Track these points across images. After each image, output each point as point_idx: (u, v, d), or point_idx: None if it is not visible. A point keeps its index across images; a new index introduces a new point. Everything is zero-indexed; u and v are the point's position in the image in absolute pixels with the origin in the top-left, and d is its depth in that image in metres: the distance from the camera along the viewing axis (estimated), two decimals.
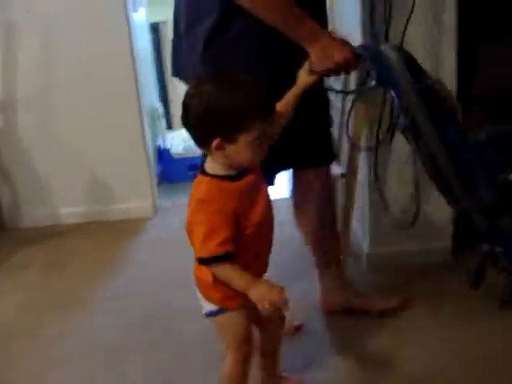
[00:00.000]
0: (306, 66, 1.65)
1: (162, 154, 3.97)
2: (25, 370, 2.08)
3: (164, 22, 5.12)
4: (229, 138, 1.36)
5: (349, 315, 2.17)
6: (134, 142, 3.27)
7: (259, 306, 1.36)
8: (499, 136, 1.70)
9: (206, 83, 1.39)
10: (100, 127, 3.21)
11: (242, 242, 1.42)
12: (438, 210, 2.42)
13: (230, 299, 1.49)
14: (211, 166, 1.44)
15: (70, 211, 3.33)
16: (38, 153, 3.28)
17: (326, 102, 2.03)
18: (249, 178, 1.44)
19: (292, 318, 2.06)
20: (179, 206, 3.46)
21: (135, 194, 3.35)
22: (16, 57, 3.13)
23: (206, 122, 1.36)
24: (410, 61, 1.62)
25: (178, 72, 1.97)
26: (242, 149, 1.37)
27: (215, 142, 1.36)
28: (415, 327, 2.11)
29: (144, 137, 3.32)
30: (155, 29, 4.86)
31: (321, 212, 2.11)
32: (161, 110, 4.28)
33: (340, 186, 2.48)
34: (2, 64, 3.15)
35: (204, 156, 1.48)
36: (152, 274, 2.68)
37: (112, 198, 3.35)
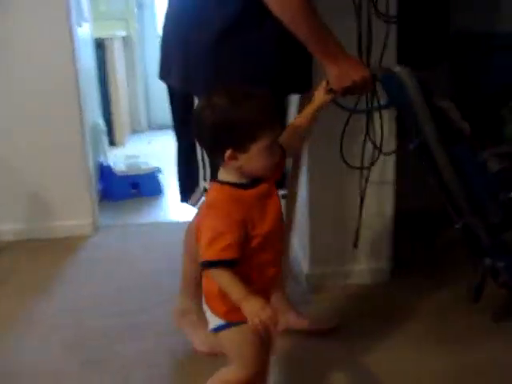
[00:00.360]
0: (324, 83, 1.68)
1: (104, 172, 3.91)
2: None
3: (109, 39, 5.10)
4: (240, 148, 1.39)
5: (290, 335, 2.16)
6: (76, 159, 3.21)
7: (249, 321, 1.36)
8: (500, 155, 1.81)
9: (217, 96, 1.41)
10: (41, 143, 3.13)
11: (246, 253, 1.41)
12: (378, 232, 2.47)
13: (236, 312, 1.42)
14: (224, 174, 1.46)
15: (9, 228, 3.22)
16: None
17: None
18: (261, 188, 1.46)
19: None
20: (120, 225, 3.46)
21: (75, 212, 3.29)
22: None
23: (219, 133, 1.39)
24: (421, 83, 1.70)
25: (166, 77, 1.93)
26: (253, 158, 1.40)
27: (228, 153, 1.38)
28: (357, 347, 2.12)
29: (85, 153, 3.27)
30: (100, 44, 4.84)
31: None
32: (103, 126, 4.23)
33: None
34: None
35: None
36: (87, 293, 2.62)
37: (52, 215, 3.27)
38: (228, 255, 1.37)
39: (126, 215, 3.61)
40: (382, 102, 1.99)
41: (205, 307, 1.54)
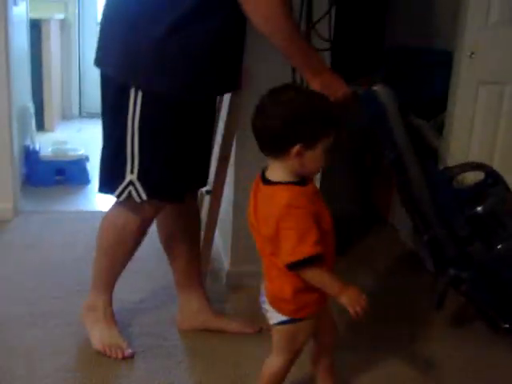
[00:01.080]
0: None
1: (30, 156, 3.81)
2: None
3: (46, 20, 4.99)
4: (310, 144, 1.42)
5: (205, 333, 2.17)
6: (0, 141, 3.13)
7: (350, 310, 1.45)
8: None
9: (287, 91, 1.46)
10: None
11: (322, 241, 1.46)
12: None
13: (302, 309, 1.55)
14: (277, 174, 1.48)
15: None
16: None
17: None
18: (311, 186, 1.52)
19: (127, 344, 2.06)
20: (42, 211, 3.38)
21: None
22: None
23: (294, 127, 1.41)
24: (398, 102, 1.81)
25: (102, 64, 1.88)
26: (318, 155, 1.45)
27: (296, 149, 1.41)
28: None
29: (11, 136, 3.18)
30: (35, 25, 4.71)
31: (188, 236, 2.14)
32: (32, 110, 4.13)
33: (205, 203, 2.50)
34: None
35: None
36: None
37: None
38: (318, 250, 1.42)
39: (49, 202, 3.54)
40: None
41: (267, 307, 1.60)
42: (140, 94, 1.75)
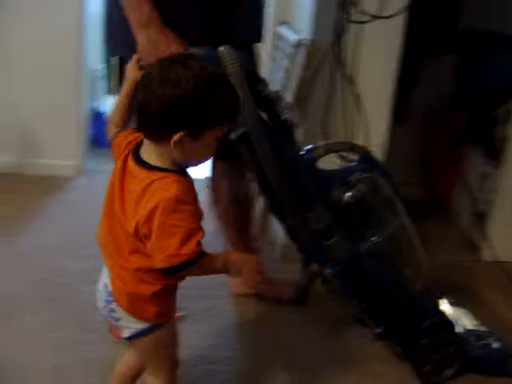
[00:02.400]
0: (135, 58, 1.50)
1: (97, 118, 3.88)
2: None
3: None
4: (194, 133, 1.22)
5: (259, 301, 2.21)
6: (69, 101, 3.23)
7: (245, 277, 1.37)
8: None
9: (182, 68, 1.21)
10: (38, 81, 3.16)
11: None
12: None
13: (165, 314, 1.38)
14: (159, 158, 1.27)
15: None
16: None
17: None
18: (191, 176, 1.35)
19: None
20: (105, 170, 3.41)
21: (62, 153, 3.30)
22: None
23: (177, 111, 1.20)
24: (246, 67, 1.52)
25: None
26: (202, 147, 1.26)
27: (178, 136, 1.21)
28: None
29: (79, 97, 3.27)
30: None
31: (234, 199, 2.13)
32: (102, 72, 4.19)
33: None
34: None
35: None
36: (58, 232, 2.65)
37: (38, 152, 3.29)
38: (201, 249, 1.26)
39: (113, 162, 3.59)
40: None
41: (120, 314, 1.36)
42: None
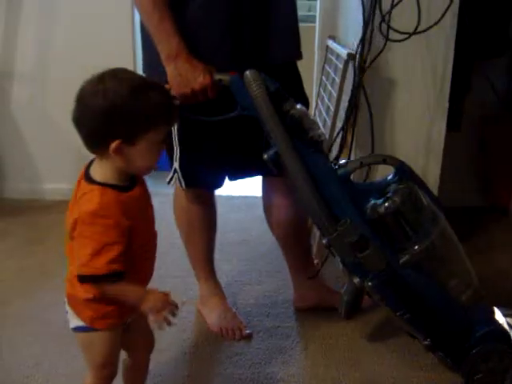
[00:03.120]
0: (166, 87, 1.54)
1: None
2: None
3: None
4: (130, 140, 1.27)
5: (322, 313, 2.20)
6: None
7: (152, 316, 1.33)
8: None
9: (111, 80, 1.28)
10: None
11: (131, 256, 1.33)
12: None
13: (101, 319, 1.41)
14: (100, 171, 1.33)
15: (54, 187, 3.33)
16: (29, 126, 3.30)
17: None
18: (138, 190, 1.37)
19: (244, 325, 2.13)
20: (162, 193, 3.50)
21: None
22: (16, 29, 3.14)
23: (109, 122, 1.26)
24: (274, 87, 1.54)
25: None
26: (143, 152, 1.30)
27: (114, 144, 1.26)
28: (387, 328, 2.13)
29: None
30: None
31: (289, 215, 2.11)
32: None
33: None
34: (3, 35, 3.16)
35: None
36: None
37: None
38: (116, 268, 1.28)
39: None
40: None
41: (67, 307, 1.45)
42: None
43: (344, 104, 2.36)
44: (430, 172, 2.40)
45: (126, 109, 1.25)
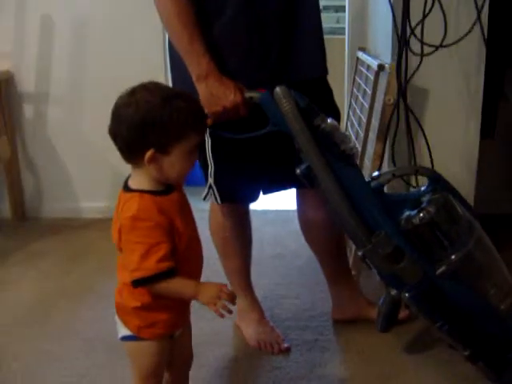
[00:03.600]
0: None
1: None
2: (25, 359, 2.10)
3: None
4: (163, 149, 1.32)
5: (360, 325, 2.19)
6: None
7: (212, 308, 1.35)
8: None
9: (141, 91, 1.33)
10: None
11: (177, 261, 1.36)
12: None
13: (148, 328, 1.44)
14: (137, 181, 1.38)
15: (91, 206, 3.39)
16: (65, 146, 3.36)
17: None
18: (176, 195, 1.40)
19: (283, 339, 2.13)
20: (196, 209, 3.53)
21: None
22: (51, 51, 3.22)
23: (143, 132, 1.30)
24: (304, 102, 1.55)
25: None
26: (175, 161, 1.34)
27: (148, 154, 1.31)
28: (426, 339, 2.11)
29: None
30: None
31: (325, 227, 2.10)
32: None
33: None
34: (38, 57, 3.24)
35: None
36: None
37: None
38: (167, 265, 1.32)
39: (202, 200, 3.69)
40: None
41: (116, 318, 1.49)
42: None
43: (376, 115, 2.37)
44: (465, 180, 2.39)
45: (158, 118, 1.30)
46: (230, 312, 1.37)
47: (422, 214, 1.53)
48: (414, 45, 2.11)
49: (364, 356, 2.06)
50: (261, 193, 2.03)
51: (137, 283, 1.35)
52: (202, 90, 1.65)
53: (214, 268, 2.42)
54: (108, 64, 3.18)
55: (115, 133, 1.35)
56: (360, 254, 1.57)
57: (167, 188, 1.39)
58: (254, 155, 1.87)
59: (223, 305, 1.35)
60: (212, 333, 2.20)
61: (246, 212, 2.15)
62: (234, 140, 1.74)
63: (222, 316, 1.36)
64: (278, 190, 2.06)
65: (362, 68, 2.80)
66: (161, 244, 1.32)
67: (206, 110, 1.59)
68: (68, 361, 2.08)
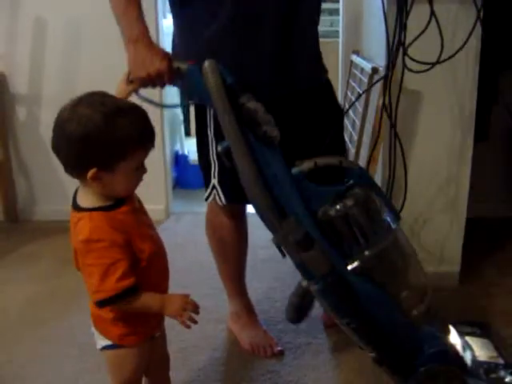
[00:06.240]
0: (126, 73, 1.62)
1: (179, 160, 4.02)
2: (16, 362, 2.10)
3: None
4: (106, 167, 1.27)
5: None
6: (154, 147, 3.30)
7: (178, 320, 1.34)
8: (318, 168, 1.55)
9: (83, 106, 1.27)
10: None
11: (140, 275, 1.34)
12: (449, 235, 2.46)
13: (130, 336, 1.43)
14: (85, 198, 1.34)
15: None
16: None
17: (340, 134, 2.00)
18: (127, 207, 1.36)
19: (276, 342, 2.12)
20: (191, 212, 3.54)
21: (150, 197, 3.34)
22: (44, 53, 3.21)
23: (83, 149, 1.25)
24: (231, 80, 1.50)
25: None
26: (120, 178, 1.30)
27: (91, 172, 1.26)
28: None
29: (164, 142, 3.37)
30: None
31: None
32: (181, 116, 4.33)
33: None
34: (31, 59, 3.22)
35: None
36: None
37: None
38: (128, 284, 1.29)
39: (197, 203, 3.67)
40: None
41: (93, 330, 1.48)
42: None
43: (370, 118, 2.36)
44: (460, 182, 2.39)
45: (100, 137, 1.24)
46: (195, 322, 1.36)
47: (338, 207, 1.49)
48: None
49: (358, 359, 2.05)
50: None
51: (100, 304, 1.33)
52: (131, 53, 1.63)
53: (205, 273, 2.43)
54: (101, 66, 3.16)
55: (57, 148, 1.29)
56: (273, 240, 1.52)
57: (118, 201, 1.34)
58: None
59: (190, 316, 1.34)
60: (204, 336, 2.19)
61: (244, 213, 2.14)
62: None
63: (188, 327, 1.35)
64: None
65: (355, 71, 2.80)
66: (118, 262, 1.28)
67: (132, 75, 1.59)
68: (60, 364, 2.07)
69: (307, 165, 1.53)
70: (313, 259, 1.48)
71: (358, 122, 2.59)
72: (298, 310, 1.66)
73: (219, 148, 1.52)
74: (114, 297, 1.29)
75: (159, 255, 1.45)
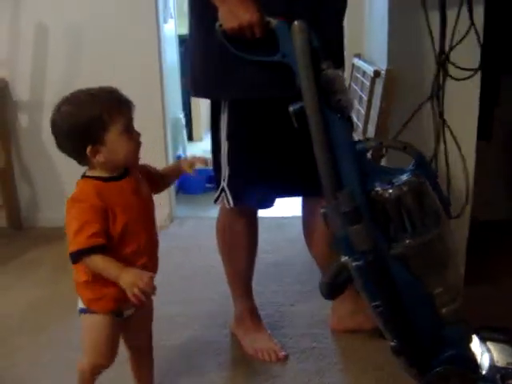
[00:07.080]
0: (217, 24, 1.68)
1: None
2: (26, 364, 2.11)
3: None
4: (96, 141, 1.47)
5: (359, 333, 2.17)
6: (156, 152, 3.29)
7: (128, 293, 1.42)
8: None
9: (63, 103, 1.50)
10: None
11: (118, 238, 1.50)
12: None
13: (97, 301, 1.57)
14: (91, 172, 1.55)
15: None
16: (60, 155, 3.28)
17: None
18: (125, 182, 1.55)
19: (280, 347, 2.12)
20: (194, 217, 3.54)
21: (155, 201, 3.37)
22: (45, 59, 3.21)
23: (73, 137, 1.48)
24: (317, 44, 1.53)
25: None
26: (113, 146, 1.49)
27: (88, 149, 1.47)
28: None
29: (166, 147, 3.37)
30: (183, 40, 4.92)
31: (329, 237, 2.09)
32: (183, 121, 4.33)
33: None
34: (32, 65, 3.23)
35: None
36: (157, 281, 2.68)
37: None
38: (96, 241, 1.45)
39: (200, 208, 3.68)
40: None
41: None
42: (226, 104, 1.86)
43: (373, 121, 2.36)
44: (462, 183, 2.37)
45: (79, 120, 1.46)
46: (140, 301, 1.43)
47: (391, 190, 1.50)
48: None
49: (362, 364, 2.04)
50: (275, 199, 2.04)
51: (72, 257, 1.47)
52: (224, 8, 1.67)
53: (210, 277, 2.42)
54: (103, 71, 3.16)
55: (59, 146, 1.53)
56: (323, 210, 1.55)
57: (121, 174, 1.55)
58: (269, 158, 1.88)
59: (138, 294, 1.41)
60: (208, 341, 2.19)
61: (255, 215, 2.14)
62: (250, 143, 1.85)
63: (134, 303, 1.45)
64: (287, 196, 2.09)
65: (357, 74, 2.79)
66: (93, 223, 1.45)
67: (224, 26, 1.66)
68: (60, 370, 2.05)
69: (372, 143, 1.61)
70: (357, 234, 1.51)
71: (360, 126, 2.58)
72: (333, 286, 1.66)
73: (291, 108, 1.56)
74: (82, 250, 1.44)
75: (136, 231, 1.55)
